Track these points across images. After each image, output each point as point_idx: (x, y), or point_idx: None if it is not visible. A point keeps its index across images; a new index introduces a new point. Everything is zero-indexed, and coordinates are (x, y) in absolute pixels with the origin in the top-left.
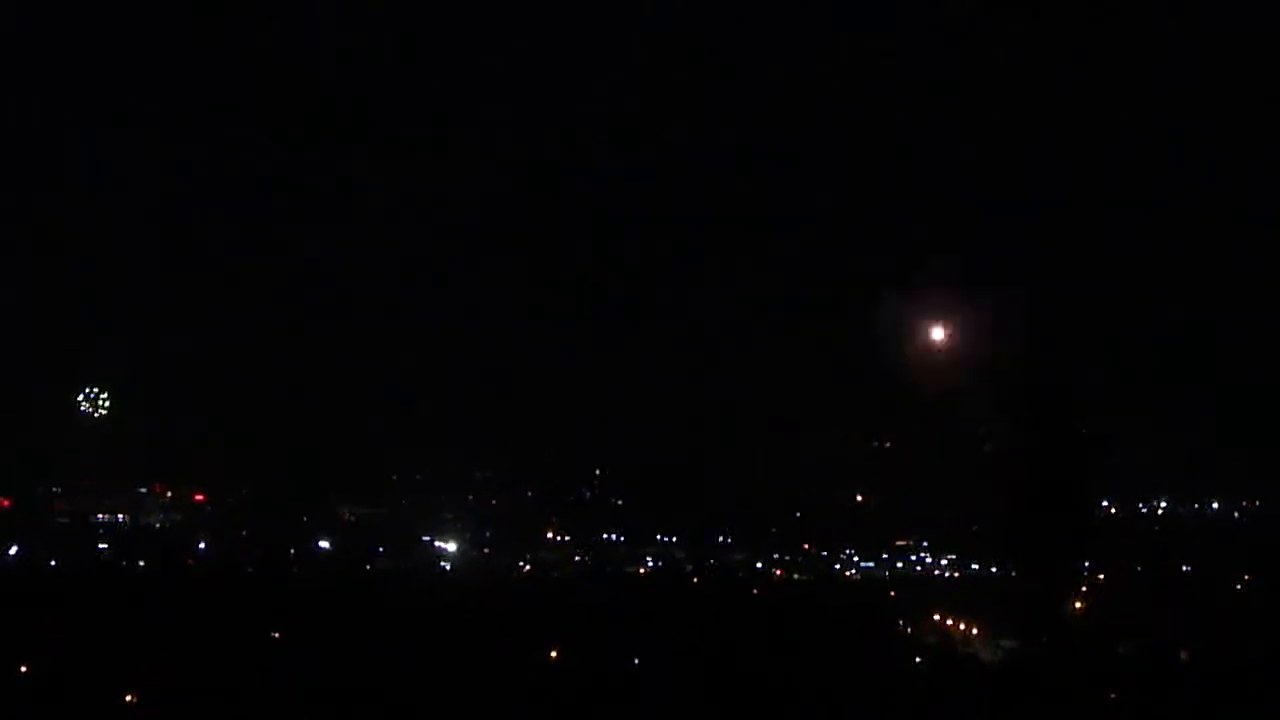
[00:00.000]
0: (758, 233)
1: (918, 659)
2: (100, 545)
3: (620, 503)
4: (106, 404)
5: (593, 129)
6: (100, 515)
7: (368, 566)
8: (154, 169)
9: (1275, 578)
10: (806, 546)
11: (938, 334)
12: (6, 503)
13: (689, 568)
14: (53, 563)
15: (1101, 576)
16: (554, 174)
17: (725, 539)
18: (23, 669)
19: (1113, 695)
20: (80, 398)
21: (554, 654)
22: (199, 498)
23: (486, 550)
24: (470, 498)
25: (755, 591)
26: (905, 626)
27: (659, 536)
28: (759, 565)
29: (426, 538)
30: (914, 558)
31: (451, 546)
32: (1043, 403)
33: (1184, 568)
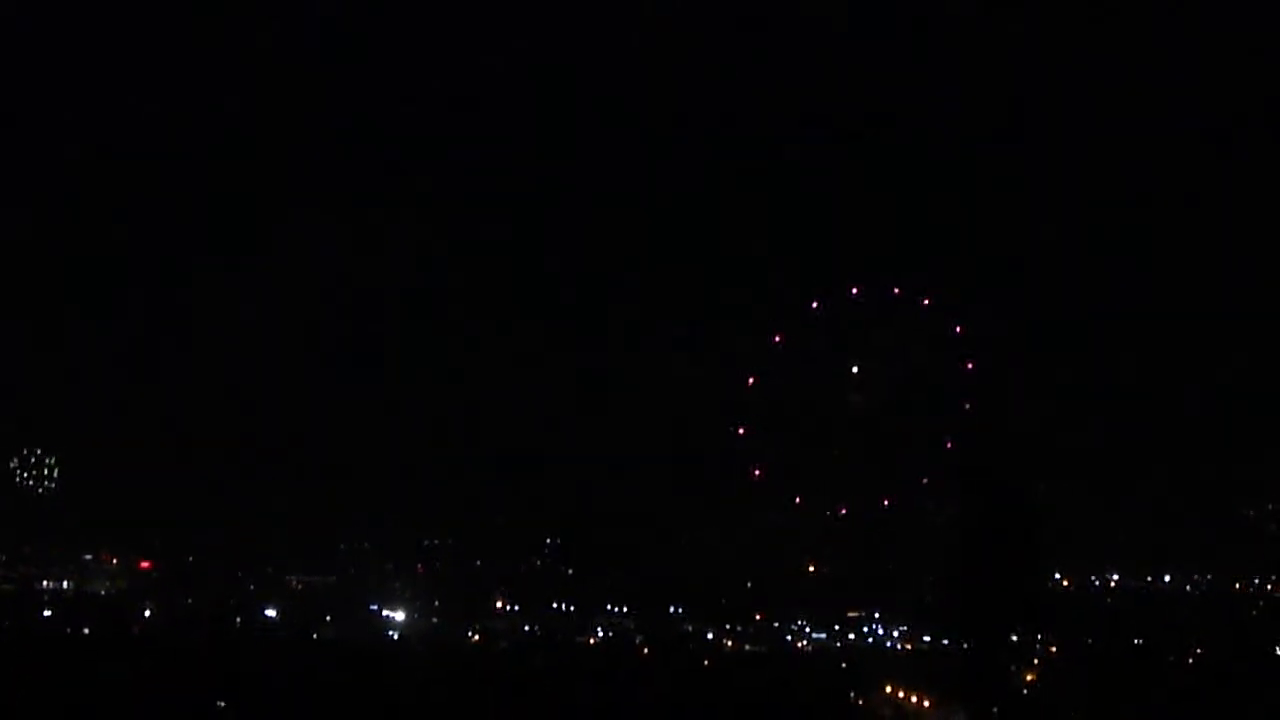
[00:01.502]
0: (710, 291)
1: None
2: (45, 612)
3: (570, 572)
4: (54, 473)
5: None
6: (45, 582)
7: (314, 635)
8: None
9: (1225, 650)
10: (759, 617)
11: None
12: None
13: (639, 638)
14: None
15: (1053, 649)
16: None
17: (676, 609)
18: None
19: None
20: (15, 463)
21: None
22: (145, 565)
23: (435, 619)
24: (419, 566)
25: (706, 663)
26: (857, 698)
27: (609, 606)
28: (710, 635)
29: (374, 606)
30: (866, 629)
31: (400, 615)
32: (994, 477)
33: (1135, 640)
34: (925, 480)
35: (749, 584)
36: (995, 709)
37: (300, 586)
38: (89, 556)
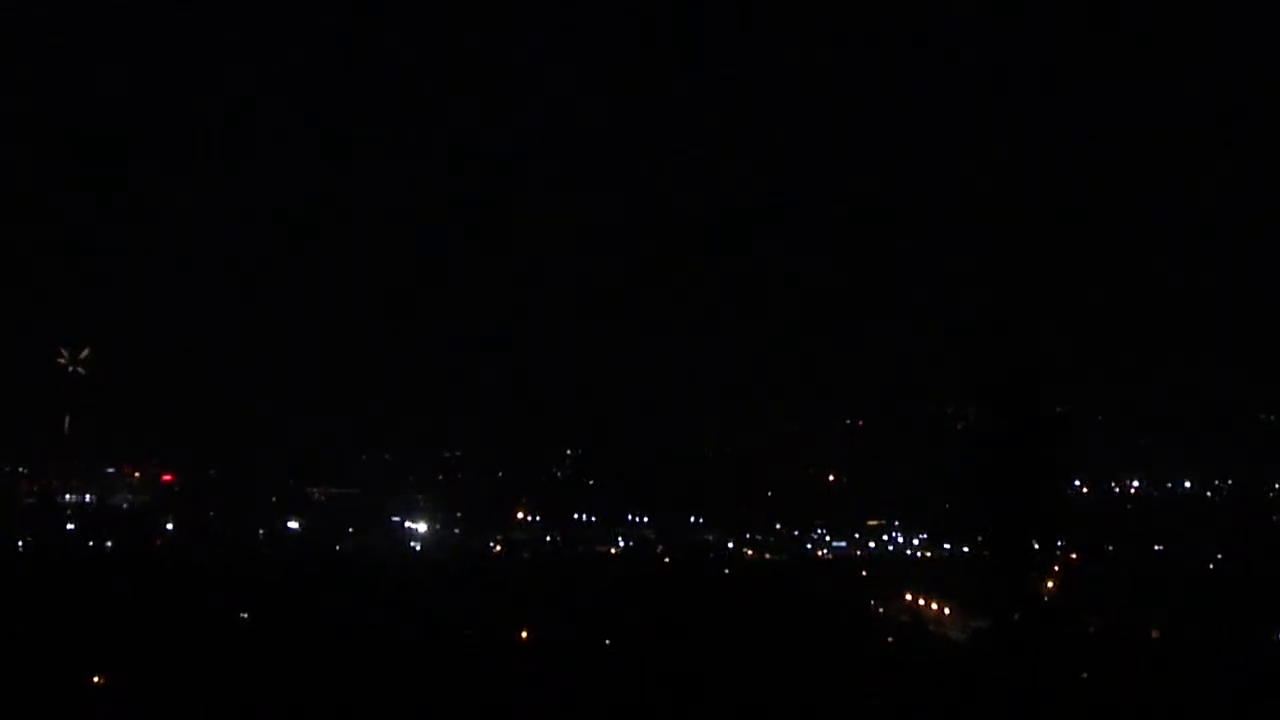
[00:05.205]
0: (732, 220)
1: (889, 639)
2: (68, 526)
3: (591, 483)
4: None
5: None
6: (68, 495)
7: (337, 547)
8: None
9: (1245, 556)
10: (778, 526)
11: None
12: None
13: (660, 548)
14: (19, 543)
15: (1074, 556)
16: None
17: (697, 519)
18: None
19: (1084, 674)
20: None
21: (524, 634)
22: (167, 478)
23: (457, 530)
24: (440, 478)
25: (727, 571)
26: (877, 606)
27: (630, 517)
28: (730, 545)
29: (396, 518)
30: (886, 537)
31: (422, 527)
32: (1011, 382)
33: (1156, 547)
34: (943, 387)
35: (769, 493)
36: (1014, 617)
37: (322, 499)
38: (111, 470)
